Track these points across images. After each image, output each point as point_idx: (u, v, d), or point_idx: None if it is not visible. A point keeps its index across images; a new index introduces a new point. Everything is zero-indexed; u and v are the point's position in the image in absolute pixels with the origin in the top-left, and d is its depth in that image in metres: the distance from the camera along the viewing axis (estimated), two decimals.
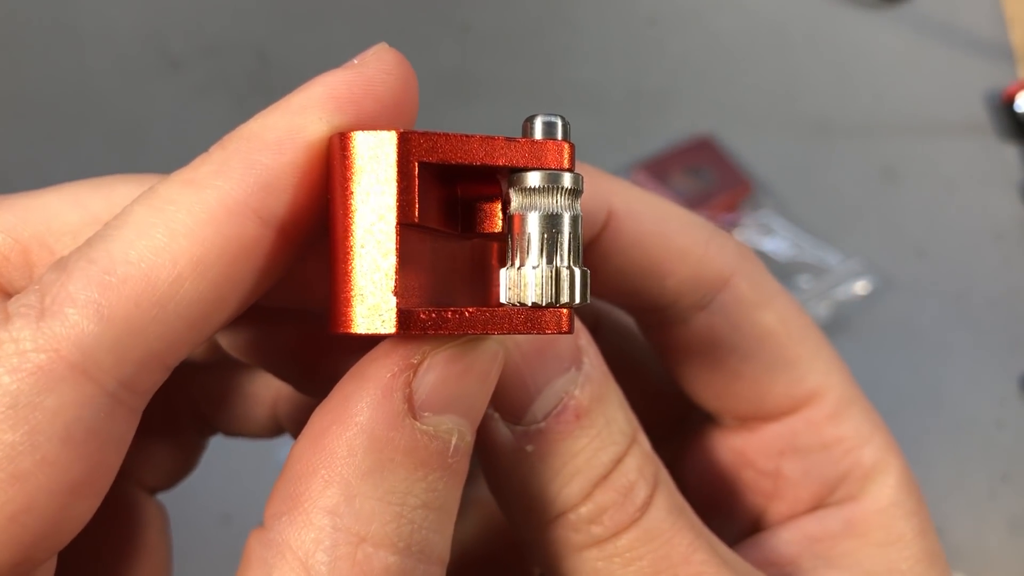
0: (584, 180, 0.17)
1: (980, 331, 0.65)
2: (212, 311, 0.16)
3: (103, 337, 0.15)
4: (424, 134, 0.16)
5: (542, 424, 0.19)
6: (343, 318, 0.16)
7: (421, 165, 0.16)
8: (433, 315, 0.16)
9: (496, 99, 0.73)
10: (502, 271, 0.16)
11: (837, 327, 0.63)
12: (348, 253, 0.16)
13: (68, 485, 0.15)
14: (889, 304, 0.65)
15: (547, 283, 0.16)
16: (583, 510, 0.19)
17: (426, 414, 0.16)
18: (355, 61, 0.17)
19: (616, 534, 0.19)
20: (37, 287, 0.15)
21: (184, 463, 0.26)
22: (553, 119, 0.16)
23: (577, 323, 0.19)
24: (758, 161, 0.70)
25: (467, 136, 0.16)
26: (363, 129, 0.16)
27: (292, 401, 0.25)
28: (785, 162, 0.72)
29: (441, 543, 0.17)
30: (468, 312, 0.16)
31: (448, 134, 0.16)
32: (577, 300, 0.16)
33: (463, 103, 0.72)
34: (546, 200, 0.16)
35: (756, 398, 0.24)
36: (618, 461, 0.19)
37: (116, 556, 0.23)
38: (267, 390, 0.25)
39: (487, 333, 0.16)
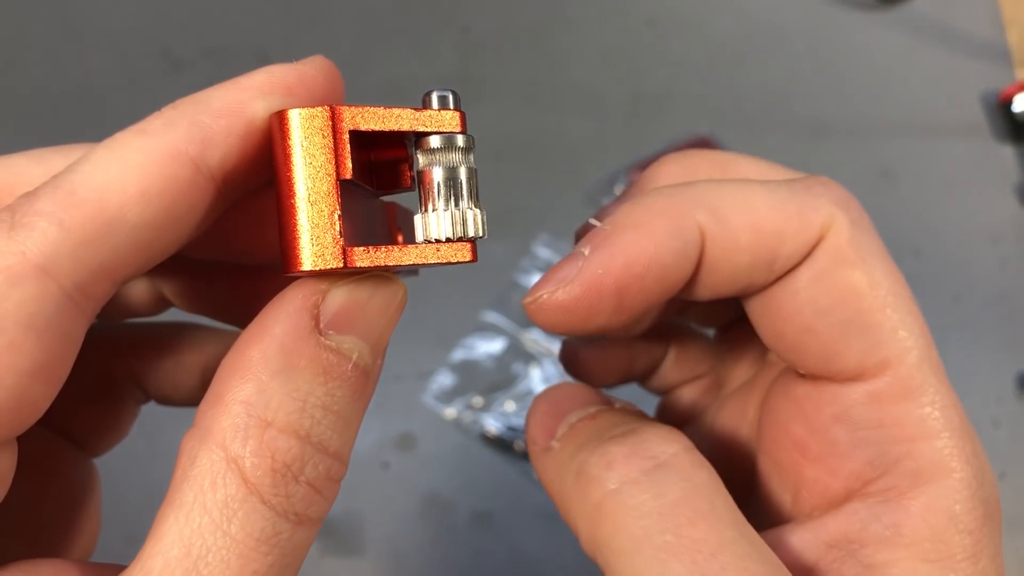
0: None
1: (977, 331, 0.66)
2: (153, 237, 0.19)
3: (63, 244, 0.17)
4: (349, 107, 0.19)
5: (564, 428, 0.24)
6: (295, 260, 0.19)
7: (350, 133, 0.19)
8: (370, 250, 0.19)
9: (495, 100, 0.73)
10: (416, 216, 0.20)
11: None
12: (295, 208, 0.19)
13: (30, 367, 0.17)
14: None
15: (454, 222, 0.20)
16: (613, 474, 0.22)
17: (330, 332, 0.19)
18: (295, 62, 0.20)
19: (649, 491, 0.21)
20: (7, 208, 0.18)
21: (117, 428, 0.28)
22: (445, 93, 0.20)
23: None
24: None
25: (384, 108, 0.20)
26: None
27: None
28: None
29: (338, 441, 0.19)
30: (398, 248, 0.19)
31: (368, 107, 0.19)
32: (479, 234, 0.20)
33: (462, 104, 0.72)
34: (446, 157, 0.20)
35: (825, 357, 0.23)
36: (632, 431, 0.23)
37: (51, 502, 0.26)
38: (197, 356, 0.28)
39: (413, 264, 0.20)
